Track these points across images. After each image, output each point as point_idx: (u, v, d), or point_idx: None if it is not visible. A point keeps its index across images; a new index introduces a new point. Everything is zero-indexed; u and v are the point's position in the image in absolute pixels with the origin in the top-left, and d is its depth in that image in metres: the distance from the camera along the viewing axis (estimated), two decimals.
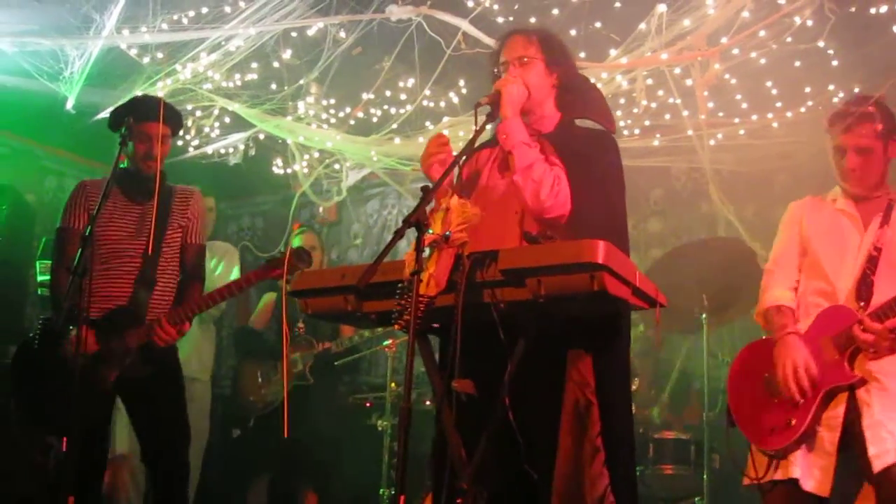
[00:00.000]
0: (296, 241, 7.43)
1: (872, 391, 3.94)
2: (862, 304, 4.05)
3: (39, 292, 7.54)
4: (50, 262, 5.41)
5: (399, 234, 3.18)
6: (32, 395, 5.01)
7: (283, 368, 7.47)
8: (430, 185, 3.48)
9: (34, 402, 5.00)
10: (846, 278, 4.17)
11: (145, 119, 5.11)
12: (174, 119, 5.34)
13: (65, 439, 4.35)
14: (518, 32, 4.12)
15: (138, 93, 6.67)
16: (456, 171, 3.95)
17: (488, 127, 3.93)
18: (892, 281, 4.06)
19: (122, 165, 5.10)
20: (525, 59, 3.98)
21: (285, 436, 4.98)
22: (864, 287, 4.10)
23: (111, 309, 5.01)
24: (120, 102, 5.42)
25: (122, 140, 4.95)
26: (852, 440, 3.95)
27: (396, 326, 3.19)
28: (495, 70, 4.09)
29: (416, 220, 3.15)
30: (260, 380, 7.51)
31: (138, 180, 5.17)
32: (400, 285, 3.20)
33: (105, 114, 6.78)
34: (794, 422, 4.03)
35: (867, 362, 3.99)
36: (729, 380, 4.50)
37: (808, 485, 3.95)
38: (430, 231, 3.25)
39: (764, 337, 4.53)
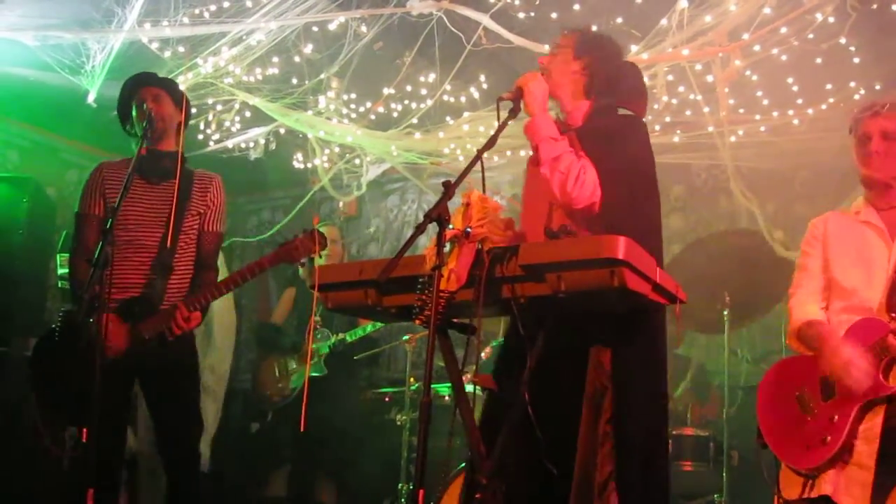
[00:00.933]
0: None
1: None
2: (894, 314, 3.92)
3: (60, 285, 7.57)
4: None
5: (420, 229, 3.18)
6: (52, 387, 4.99)
7: (300, 362, 7.52)
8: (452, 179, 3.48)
9: (53, 393, 4.97)
10: (876, 291, 4.05)
11: (137, 86, 5.27)
12: (161, 80, 5.41)
13: (84, 430, 4.39)
14: (565, 29, 4.18)
15: None
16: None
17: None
18: None
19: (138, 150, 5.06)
20: (555, 47, 4.03)
21: (301, 430, 4.99)
22: (895, 297, 3.97)
23: (126, 298, 4.97)
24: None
25: (143, 134, 5.00)
26: (890, 452, 3.79)
27: (417, 321, 3.19)
28: None
29: (438, 215, 3.15)
30: (277, 374, 7.57)
31: (156, 157, 5.17)
32: (421, 280, 3.21)
33: None
34: (829, 438, 3.89)
35: None
36: (759, 398, 4.34)
37: (846, 501, 3.80)
38: (451, 226, 3.25)
39: (789, 355, 4.41)
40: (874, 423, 3.84)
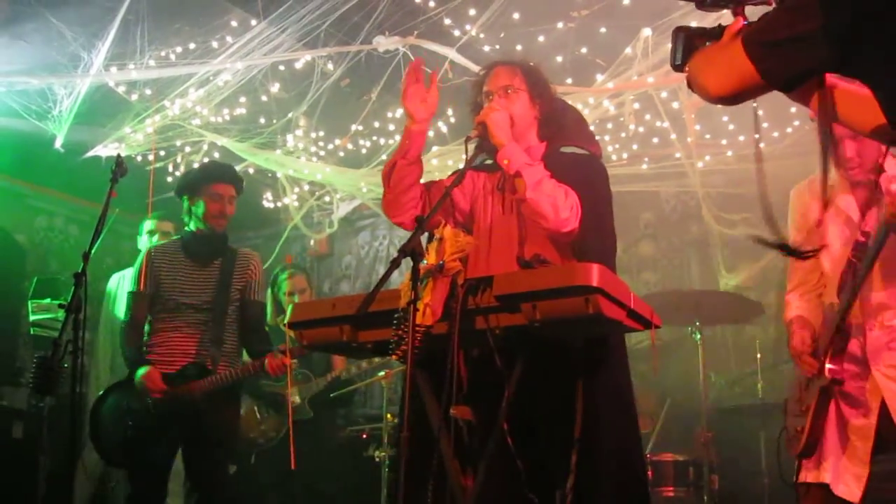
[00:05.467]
0: (283, 287, 7.43)
1: None
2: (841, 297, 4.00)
3: (32, 332, 7.52)
4: (43, 301, 5.65)
5: (395, 264, 3.18)
6: (107, 434, 5.63)
7: (280, 404, 7.48)
8: (423, 216, 3.48)
9: (108, 440, 5.63)
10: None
11: (218, 180, 5.71)
12: (239, 181, 5.85)
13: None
14: (502, 64, 4.15)
15: (128, 130, 6.74)
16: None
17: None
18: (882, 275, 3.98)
19: (188, 228, 5.76)
20: (510, 90, 4.01)
21: (293, 467, 5.19)
22: (848, 277, 4.00)
23: (184, 364, 5.55)
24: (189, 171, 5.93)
25: (190, 202, 5.66)
26: (883, 449, 3.91)
27: (394, 357, 3.18)
28: (478, 99, 4.11)
29: (412, 250, 3.16)
30: (258, 416, 7.50)
31: (204, 240, 5.75)
32: (396, 315, 3.20)
33: (95, 152, 6.83)
34: (801, 427, 4.13)
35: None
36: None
37: (840, 490, 3.96)
38: (425, 261, 3.25)
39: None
40: (869, 421, 3.94)
